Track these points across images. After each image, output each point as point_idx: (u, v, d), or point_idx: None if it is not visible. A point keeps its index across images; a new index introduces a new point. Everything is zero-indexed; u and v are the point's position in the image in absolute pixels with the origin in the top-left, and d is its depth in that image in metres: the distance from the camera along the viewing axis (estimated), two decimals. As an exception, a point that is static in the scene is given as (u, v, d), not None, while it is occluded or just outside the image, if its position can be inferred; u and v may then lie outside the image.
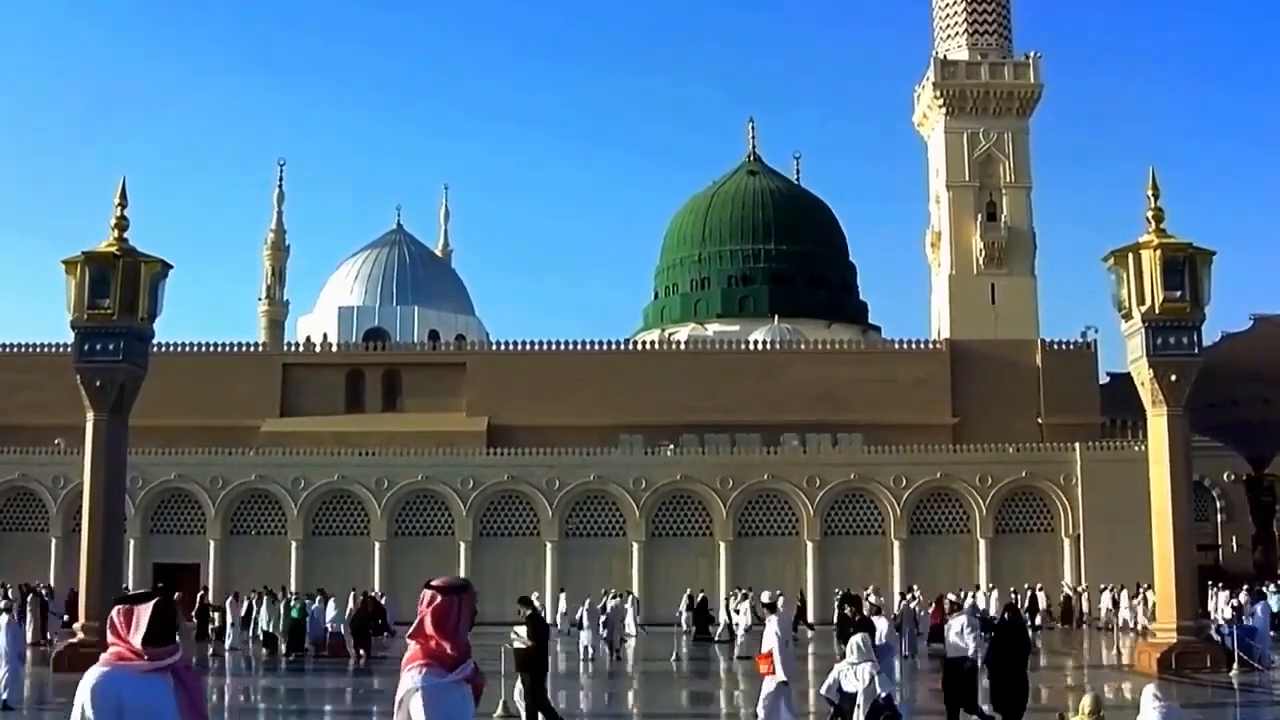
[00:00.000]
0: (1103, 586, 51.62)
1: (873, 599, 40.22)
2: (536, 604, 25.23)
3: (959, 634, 19.52)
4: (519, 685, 19.09)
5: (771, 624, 17.42)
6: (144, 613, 5.45)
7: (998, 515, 57.08)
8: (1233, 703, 26.55)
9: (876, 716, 15.79)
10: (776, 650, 16.88)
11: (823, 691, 17.62)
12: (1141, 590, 45.24)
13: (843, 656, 17.50)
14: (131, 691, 5.34)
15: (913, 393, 65.63)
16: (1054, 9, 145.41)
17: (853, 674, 16.37)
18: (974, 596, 45.42)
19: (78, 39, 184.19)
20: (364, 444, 59.86)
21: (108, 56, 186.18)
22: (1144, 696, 12.11)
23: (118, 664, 5.41)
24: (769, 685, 16.90)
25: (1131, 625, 46.93)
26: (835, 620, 31.43)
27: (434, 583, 5.81)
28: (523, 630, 19.22)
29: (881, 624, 25.05)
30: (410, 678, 5.64)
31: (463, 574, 54.71)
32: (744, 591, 43.05)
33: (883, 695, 15.85)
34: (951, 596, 45.52)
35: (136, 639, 5.41)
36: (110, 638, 5.51)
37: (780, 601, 22.46)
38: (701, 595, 48.67)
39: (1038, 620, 48.17)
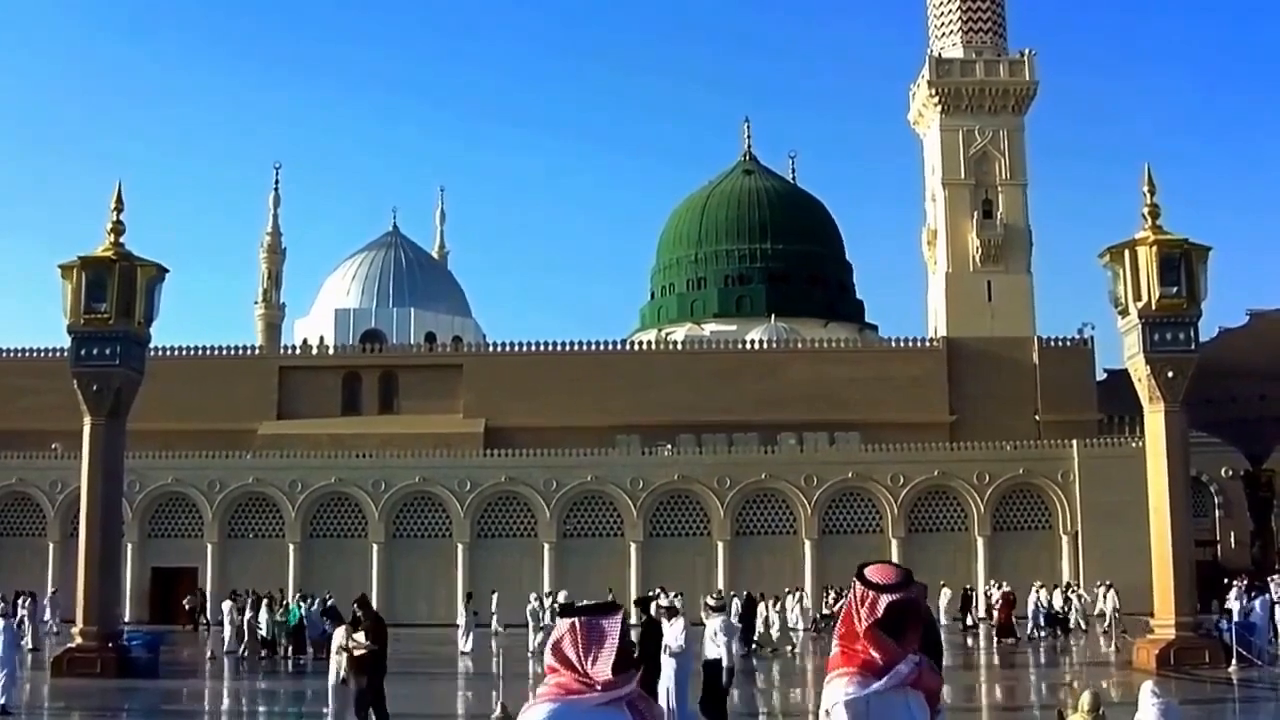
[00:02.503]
0: (1055, 584, 51.30)
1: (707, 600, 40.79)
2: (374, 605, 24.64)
3: (713, 637, 18.84)
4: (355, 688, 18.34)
5: (676, 625, 17.25)
6: (610, 630, 4.40)
7: (995, 513, 57.11)
8: (1232, 698, 26.56)
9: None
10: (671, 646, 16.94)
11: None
12: (1097, 589, 45.73)
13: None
14: None
15: (910, 391, 65.67)
16: (1048, 6, 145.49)
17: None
18: (1038, 592, 45.96)
19: (73, 42, 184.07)
20: (361, 446, 59.82)
21: (103, 60, 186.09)
22: (1142, 693, 12.11)
23: (565, 699, 4.36)
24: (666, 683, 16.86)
25: (1084, 625, 47.32)
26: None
27: (870, 576, 4.96)
28: (360, 636, 18.44)
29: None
30: (833, 688, 4.91)
31: (460, 575, 54.89)
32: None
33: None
34: (993, 591, 45.49)
35: (602, 666, 4.36)
36: (552, 660, 4.46)
37: (678, 603, 22.08)
38: (746, 595, 48.02)
39: (969, 620, 48.22)
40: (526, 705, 4.41)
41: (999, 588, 46.45)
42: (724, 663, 18.33)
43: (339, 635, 18.45)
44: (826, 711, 4.91)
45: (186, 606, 51.32)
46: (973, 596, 50.33)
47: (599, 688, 4.34)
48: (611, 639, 4.36)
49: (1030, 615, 44.87)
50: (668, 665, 17.96)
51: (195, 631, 49.37)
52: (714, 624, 18.68)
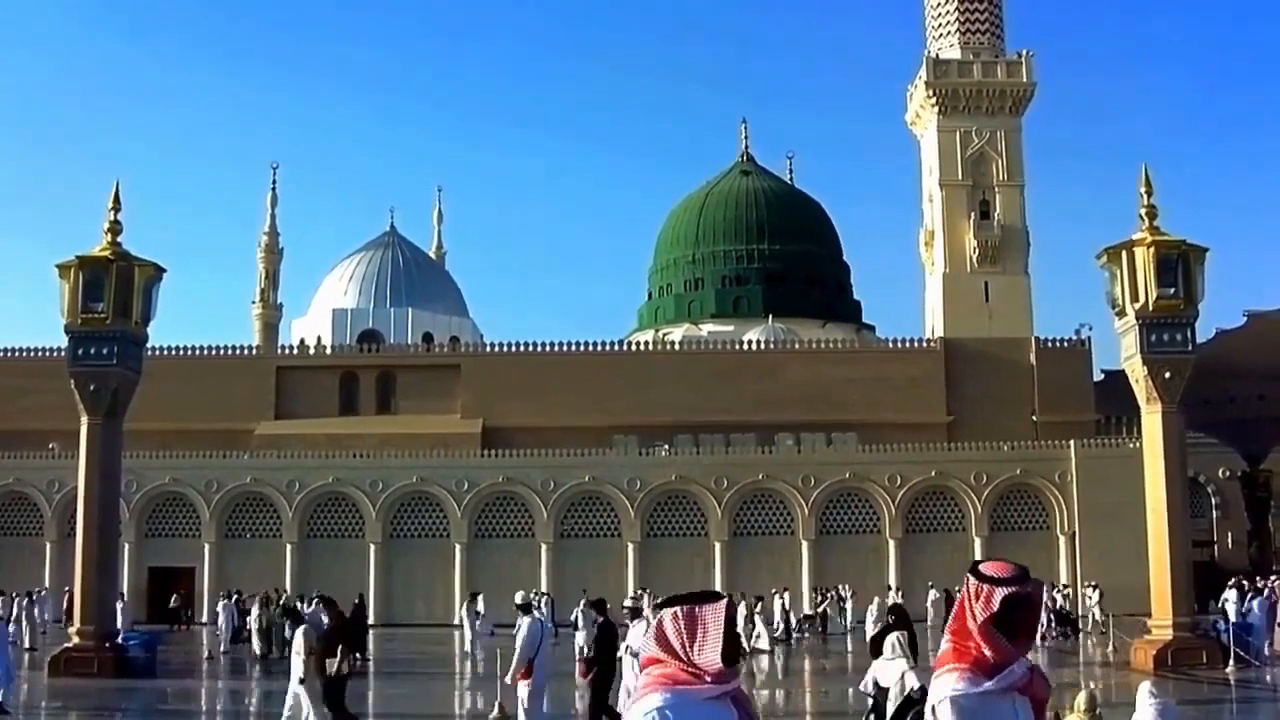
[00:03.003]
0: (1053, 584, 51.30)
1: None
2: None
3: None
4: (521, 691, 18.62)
5: (524, 625, 17.04)
6: (713, 619, 4.21)
7: (993, 513, 57.13)
8: (1229, 699, 26.57)
9: (908, 709, 15.79)
10: (517, 655, 16.69)
11: (861, 688, 17.66)
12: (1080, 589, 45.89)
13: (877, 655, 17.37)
14: None
15: (907, 391, 65.69)
16: (1046, 7, 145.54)
17: (886, 670, 16.44)
18: (1051, 592, 46.14)
19: (71, 42, 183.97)
20: (358, 446, 59.81)
21: (101, 59, 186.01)
22: (1140, 693, 12.10)
23: (675, 689, 4.17)
24: (522, 690, 16.58)
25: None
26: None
27: (986, 570, 4.77)
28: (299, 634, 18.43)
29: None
30: (941, 684, 4.72)
31: (458, 575, 54.86)
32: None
33: (915, 689, 15.85)
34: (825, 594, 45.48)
35: (710, 654, 4.17)
36: (655, 650, 4.28)
37: (540, 602, 21.33)
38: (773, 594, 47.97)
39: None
40: (632, 698, 4.25)
41: None
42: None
43: (299, 637, 18.41)
44: (933, 708, 4.73)
45: (171, 607, 51.11)
46: (956, 598, 50.19)
47: (709, 678, 4.17)
48: (717, 627, 4.18)
49: (1043, 617, 44.93)
50: (630, 667, 17.93)
51: (180, 630, 49.25)
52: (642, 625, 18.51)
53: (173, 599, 51.65)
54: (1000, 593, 4.66)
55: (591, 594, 32.82)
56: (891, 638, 16.98)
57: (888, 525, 56.77)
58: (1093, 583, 48.18)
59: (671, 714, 4.09)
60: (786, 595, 48.78)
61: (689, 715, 4.12)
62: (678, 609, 4.24)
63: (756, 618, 41.83)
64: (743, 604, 42.51)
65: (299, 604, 39.40)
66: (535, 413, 63.99)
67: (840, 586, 52.93)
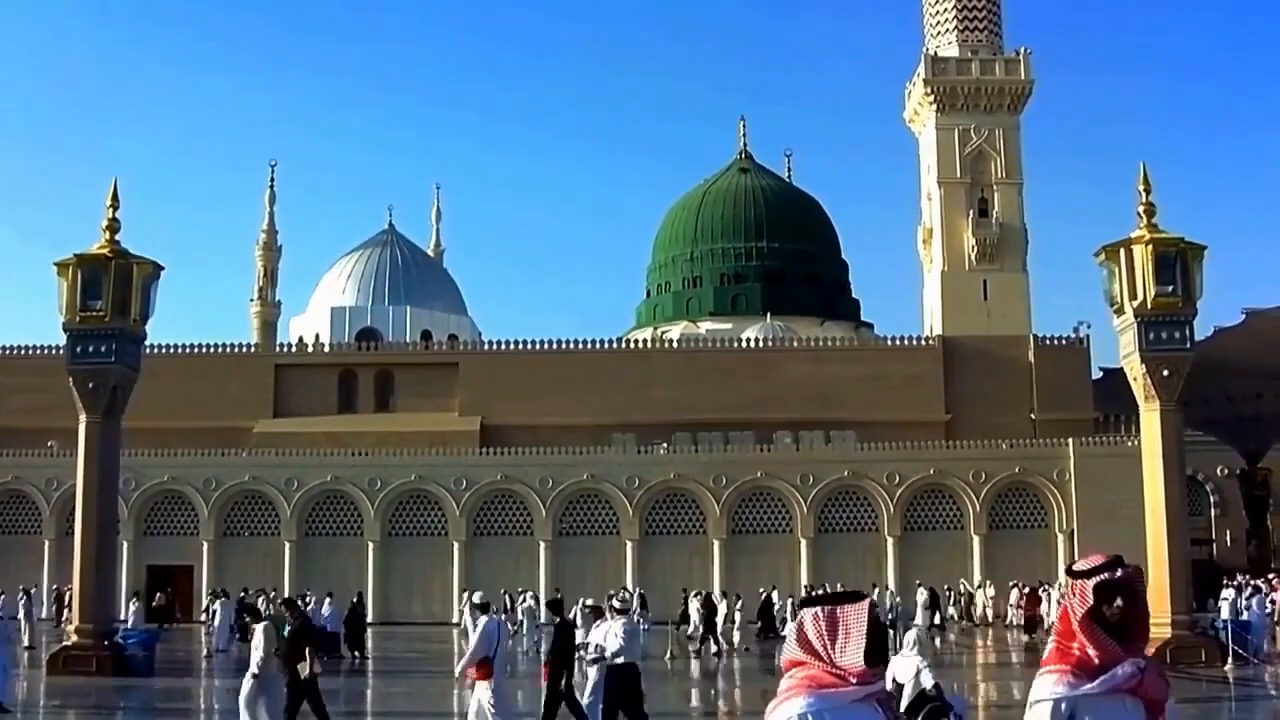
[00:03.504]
0: (1012, 584, 51.34)
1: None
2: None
3: (613, 638, 18.02)
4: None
5: (481, 625, 16.97)
6: (855, 619, 4.11)
7: (991, 511, 57.10)
8: (1228, 697, 26.58)
9: (921, 705, 15.81)
10: (469, 653, 16.67)
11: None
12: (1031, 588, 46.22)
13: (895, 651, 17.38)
14: None
15: (905, 389, 65.69)
16: (1044, 4, 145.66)
17: (902, 666, 16.46)
18: (1054, 589, 46.11)
19: (69, 40, 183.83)
20: (357, 444, 59.79)
21: (99, 57, 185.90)
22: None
23: (820, 692, 4.05)
24: (483, 692, 16.45)
25: (1017, 622, 47.51)
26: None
27: (1076, 567, 4.65)
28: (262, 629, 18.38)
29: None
30: (1039, 685, 4.53)
31: (456, 573, 54.84)
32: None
33: (930, 686, 15.84)
34: (990, 590, 45.56)
35: (853, 655, 4.06)
36: (797, 652, 4.17)
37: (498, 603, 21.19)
38: (705, 594, 48.14)
39: (936, 618, 48.26)
40: (773, 703, 4.13)
41: (1021, 586, 46.75)
42: (636, 665, 17.94)
43: (258, 633, 18.22)
44: (1030, 707, 4.58)
45: (154, 605, 50.70)
46: (939, 596, 50.31)
47: (853, 680, 4.06)
48: (860, 628, 4.07)
49: (1054, 614, 44.93)
50: (593, 668, 17.93)
51: (166, 629, 49.08)
52: (615, 625, 18.33)
53: (156, 597, 51.13)
54: (1091, 582, 4.54)
55: (590, 593, 32.86)
56: (912, 633, 16.94)
57: (886, 523, 56.75)
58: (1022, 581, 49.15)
59: (815, 719, 4.00)
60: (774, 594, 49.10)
61: (835, 719, 4.02)
62: (818, 610, 4.15)
63: (738, 615, 41.88)
64: (724, 602, 42.65)
65: (301, 601, 39.45)
66: (534, 411, 63.98)
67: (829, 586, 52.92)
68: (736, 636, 40.94)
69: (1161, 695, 4.56)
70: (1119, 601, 4.51)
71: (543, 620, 39.10)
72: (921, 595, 47.83)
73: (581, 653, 18.61)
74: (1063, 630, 4.58)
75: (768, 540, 57.11)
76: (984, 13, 75.24)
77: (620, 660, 17.49)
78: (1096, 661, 4.44)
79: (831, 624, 4.10)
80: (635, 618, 25.84)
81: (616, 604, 18.89)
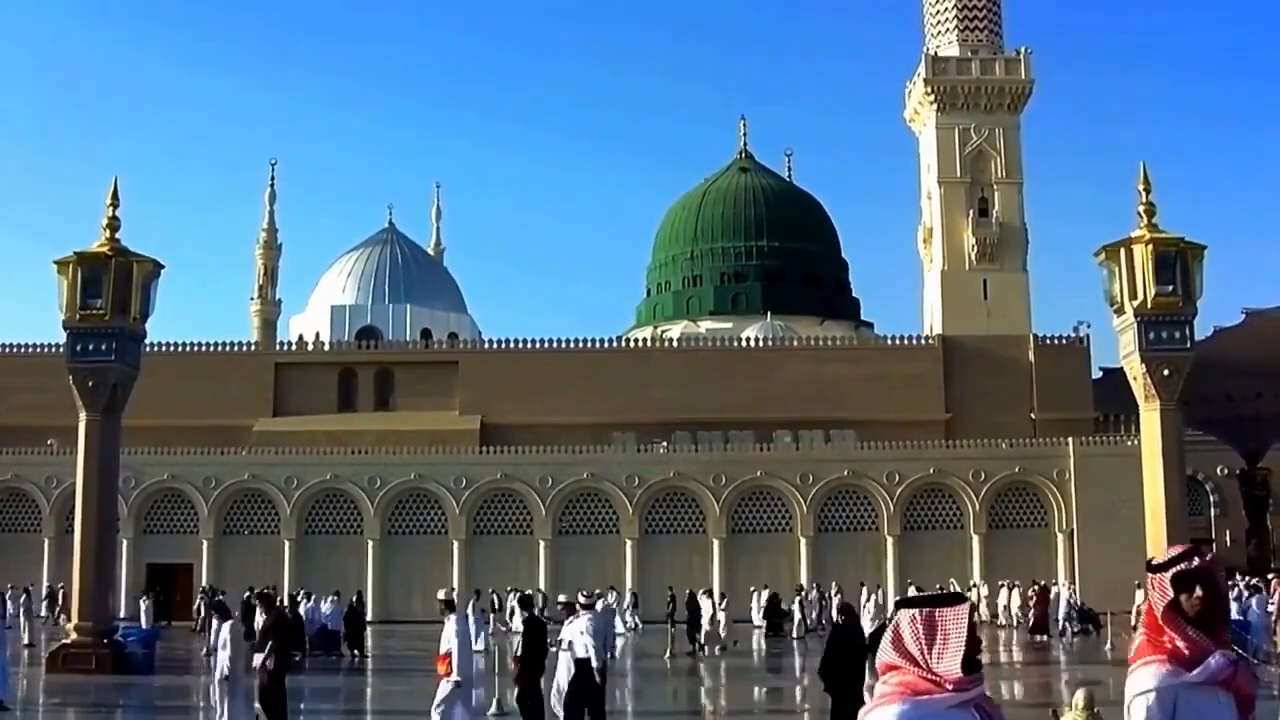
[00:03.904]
0: (1001, 583, 51.24)
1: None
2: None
3: (579, 635, 18.06)
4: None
5: (450, 623, 17.00)
6: (954, 623, 3.95)
7: (991, 511, 57.10)
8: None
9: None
10: (455, 650, 16.68)
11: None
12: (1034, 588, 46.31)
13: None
14: None
15: (905, 389, 65.68)
16: (1044, 4, 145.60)
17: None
18: (1059, 587, 46.74)
19: (69, 40, 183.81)
20: (357, 443, 59.80)
21: (99, 57, 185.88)
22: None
23: (914, 699, 3.92)
24: (445, 687, 16.48)
25: (1022, 621, 47.46)
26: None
27: (1155, 560, 4.54)
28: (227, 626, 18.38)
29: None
30: (1139, 677, 4.46)
31: (456, 572, 54.82)
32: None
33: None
34: (1002, 591, 45.56)
35: (950, 662, 3.92)
36: (893, 656, 4.02)
37: (470, 601, 20.80)
38: (689, 593, 48.04)
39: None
40: (866, 708, 4.03)
41: (1034, 585, 46.80)
42: (593, 663, 17.96)
43: (225, 630, 18.19)
44: (1128, 706, 4.48)
45: (142, 606, 50.26)
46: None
47: (949, 686, 3.91)
48: (960, 633, 3.92)
49: (1063, 614, 45.13)
50: (563, 664, 17.94)
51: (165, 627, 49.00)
52: (581, 623, 18.38)
53: (143, 597, 50.66)
54: (1169, 575, 4.47)
55: (589, 591, 32.75)
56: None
57: (886, 523, 56.75)
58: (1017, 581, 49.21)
59: None
60: (762, 593, 49.14)
61: None
62: (916, 612, 4.01)
63: (721, 614, 41.80)
64: (708, 601, 42.47)
65: (303, 600, 39.49)
66: (533, 409, 63.98)
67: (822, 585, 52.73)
68: (723, 634, 40.91)
69: (1252, 691, 4.50)
70: (1198, 591, 4.44)
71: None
72: (911, 592, 47.67)
73: (553, 649, 18.66)
74: (1150, 624, 4.53)
75: (767, 539, 57.11)
76: (984, 12, 75.25)
77: (579, 655, 17.64)
78: (1187, 653, 4.39)
79: (930, 628, 3.97)
80: (603, 612, 25.80)
81: (582, 599, 18.95)
